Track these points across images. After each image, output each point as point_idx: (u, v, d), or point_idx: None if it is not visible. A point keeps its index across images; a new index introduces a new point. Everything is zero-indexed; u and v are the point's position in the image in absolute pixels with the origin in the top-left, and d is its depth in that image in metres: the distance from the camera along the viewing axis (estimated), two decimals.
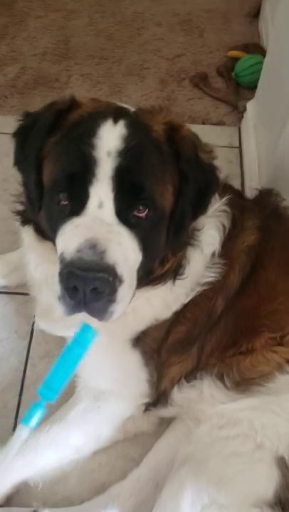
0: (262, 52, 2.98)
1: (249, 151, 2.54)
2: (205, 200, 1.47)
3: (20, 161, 1.49)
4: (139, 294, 1.46)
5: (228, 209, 1.64)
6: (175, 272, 1.53)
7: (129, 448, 1.82)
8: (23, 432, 1.06)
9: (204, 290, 1.60)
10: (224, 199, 1.66)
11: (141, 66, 3.07)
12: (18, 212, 1.64)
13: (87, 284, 1.22)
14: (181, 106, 2.89)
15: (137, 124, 1.38)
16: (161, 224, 1.39)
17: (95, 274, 1.21)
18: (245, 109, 2.71)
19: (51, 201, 1.37)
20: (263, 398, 1.52)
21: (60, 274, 1.26)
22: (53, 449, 1.69)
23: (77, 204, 1.31)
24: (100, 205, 1.29)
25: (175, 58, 3.14)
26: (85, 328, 1.37)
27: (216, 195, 1.67)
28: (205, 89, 2.95)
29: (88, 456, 1.74)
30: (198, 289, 1.59)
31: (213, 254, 1.60)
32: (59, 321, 1.66)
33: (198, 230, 1.57)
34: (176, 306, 1.60)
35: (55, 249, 1.47)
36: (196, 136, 1.48)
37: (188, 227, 1.48)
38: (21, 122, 1.51)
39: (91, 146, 1.31)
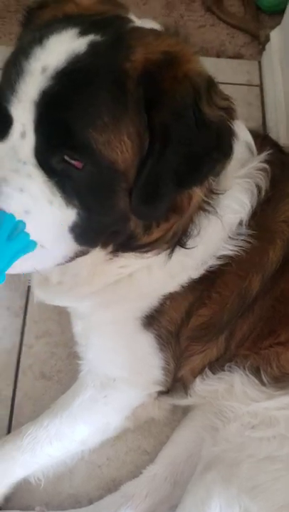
0: None
1: (273, 91, 2.17)
2: (200, 170, 1.11)
3: None
4: (130, 261, 1.29)
5: (268, 167, 1.33)
6: (174, 241, 1.25)
7: (141, 440, 1.63)
8: None
9: (232, 267, 1.34)
10: (264, 154, 1.34)
11: None
12: None
13: None
14: (191, 34, 2.38)
15: (108, 45, 1.04)
16: (112, 182, 1.08)
17: None
18: (268, 40, 2.29)
19: None
20: None
21: None
22: (55, 446, 1.49)
23: (3, 127, 1.07)
24: (23, 135, 1.04)
25: None
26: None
27: (254, 149, 1.36)
28: (219, 13, 2.49)
29: (94, 449, 1.55)
30: (212, 262, 1.33)
31: (240, 224, 1.32)
32: (57, 289, 1.44)
33: (216, 194, 1.26)
34: (181, 277, 1.35)
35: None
36: (204, 80, 1.07)
37: (166, 198, 1.13)
38: None
39: (28, 56, 1.02)
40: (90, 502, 1.54)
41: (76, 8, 1.15)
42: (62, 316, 1.76)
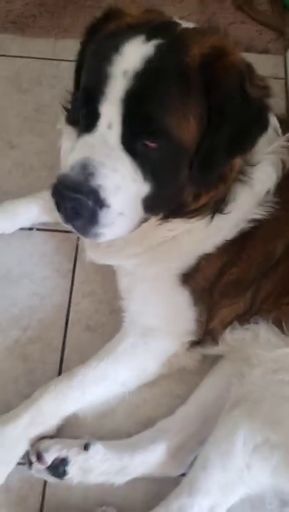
0: None
1: None
2: (245, 140, 1.36)
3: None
4: (177, 225, 1.51)
5: None
6: (216, 207, 1.49)
7: (174, 386, 1.85)
8: None
9: (260, 232, 1.55)
10: (288, 135, 1.57)
11: None
12: (66, 109, 1.63)
13: (66, 203, 1.28)
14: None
15: (170, 46, 1.28)
16: (179, 158, 1.33)
17: (72, 194, 1.25)
18: None
19: (79, 113, 1.38)
20: None
21: (51, 186, 1.31)
22: (101, 385, 1.71)
23: (91, 121, 1.31)
24: (109, 126, 1.28)
25: None
26: None
27: (279, 131, 1.58)
28: (249, 12, 2.70)
29: (133, 391, 1.77)
30: (243, 225, 1.55)
31: (267, 192, 1.54)
32: (107, 251, 1.68)
33: (251, 166, 1.50)
34: (217, 238, 1.57)
35: None
36: (247, 67, 1.34)
37: (219, 166, 1.39)
38: None
39: (109, 62, 1.26)
40: (129, 436, 1.77)
41: (130, 19, 1.40)
42: (105, 279, 1.99)
